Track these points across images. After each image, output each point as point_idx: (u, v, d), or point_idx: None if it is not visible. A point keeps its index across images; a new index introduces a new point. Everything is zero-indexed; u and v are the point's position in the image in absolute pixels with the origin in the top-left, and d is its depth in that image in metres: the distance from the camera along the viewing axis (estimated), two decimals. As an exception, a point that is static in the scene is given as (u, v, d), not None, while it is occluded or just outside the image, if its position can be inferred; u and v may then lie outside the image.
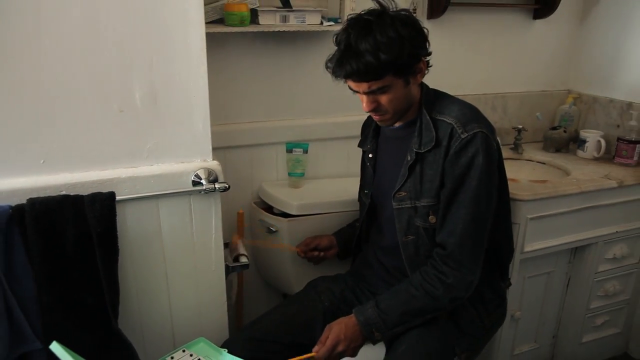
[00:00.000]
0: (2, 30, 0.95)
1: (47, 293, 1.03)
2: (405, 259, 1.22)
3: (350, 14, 1.16)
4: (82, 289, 1.07)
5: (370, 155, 1.33)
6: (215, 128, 1.19)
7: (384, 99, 1.11)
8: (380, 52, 1.03)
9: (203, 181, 1.15)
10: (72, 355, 0.89)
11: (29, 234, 1.00)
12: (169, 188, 1.13)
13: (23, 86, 0.99)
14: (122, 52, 1.04)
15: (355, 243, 1.45)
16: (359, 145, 1.40)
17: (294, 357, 1.12)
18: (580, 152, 1.92)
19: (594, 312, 1.83)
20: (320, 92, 1.66)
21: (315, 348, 1.16)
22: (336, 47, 1.10)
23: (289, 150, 1.64)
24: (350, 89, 1.13)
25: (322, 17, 1.53)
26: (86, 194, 1.05)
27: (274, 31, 1.48)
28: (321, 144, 1.71)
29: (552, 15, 1.91)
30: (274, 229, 1.55)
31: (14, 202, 1.00)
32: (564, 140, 1.96)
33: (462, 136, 1.11)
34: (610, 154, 1.88)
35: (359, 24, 1.07)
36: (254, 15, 1.45)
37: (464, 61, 1.89)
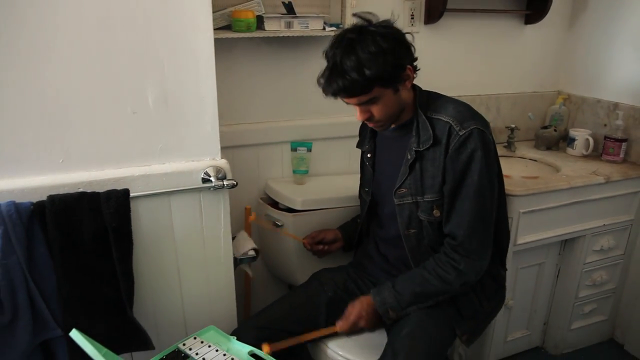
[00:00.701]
0: (25, 40, 0.99)
1: (66, 284, 1.07)
2: (408, 250, 1.27)
3: (336, 32, 1.15)
4: (99, 280, 1.11)
5: (368, 155, 1.36)
6: (223, 128, 1.22)
7: (375, 109, 1.15)
8: (365, 68, 1.05)
9: (212, 178, 1.19)
10: (91, 342, 0.91)
11: (49, 229, 1.04)
12: (179, 185, 1.17)
13: (44, 91, 1.03)
14: (135, 58, 1.08)
15: (358, 237, 1.48)
16: (357, 146, 1.43)
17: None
18: (569, 150, 1.96)
19: (582, 301, 1.87)
20: (322, 94, 1.69)
21: (339, 323, 1.23)
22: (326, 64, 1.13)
23: (294, 149, 1.67)
24: (344, 101, 1.17)
25: (325, 23, 1.56)
26: (102, 191, 1.08)
27: (279, 36, 1.51)
28: (324, 143, 1.74)
29: (543, 21, 1.94)
30: (279, 224, 1.59)
31: (35, 198, 1.04)
32: (554, 139, 2.00)
33: (460, 133, 1.14)
34: (598, 151, 1.92)
35: (342, 43, 1.09)
36: (259, 21, 1.49)
37: (459, 64, 1.92)
